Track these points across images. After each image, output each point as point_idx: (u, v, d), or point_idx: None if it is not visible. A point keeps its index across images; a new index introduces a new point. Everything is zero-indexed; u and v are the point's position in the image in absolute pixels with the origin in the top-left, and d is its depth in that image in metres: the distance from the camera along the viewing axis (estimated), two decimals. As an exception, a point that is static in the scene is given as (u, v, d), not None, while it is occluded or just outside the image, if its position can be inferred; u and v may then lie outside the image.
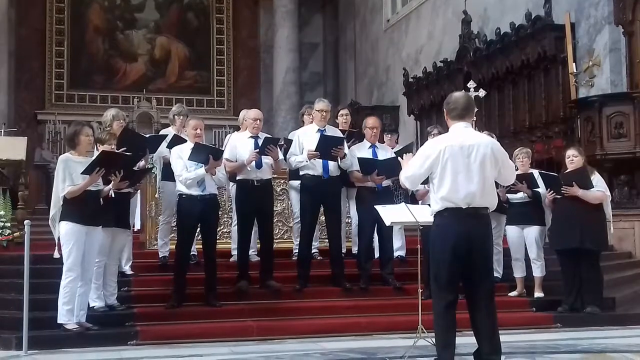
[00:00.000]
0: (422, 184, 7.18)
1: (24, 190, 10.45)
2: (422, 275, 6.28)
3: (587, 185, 7.33)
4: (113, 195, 6.44)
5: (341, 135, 7.62)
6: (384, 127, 8.38)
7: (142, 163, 7.28)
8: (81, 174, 6.13)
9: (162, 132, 8.50)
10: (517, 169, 7.75)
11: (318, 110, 7.57)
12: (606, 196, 7.48)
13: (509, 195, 7.68)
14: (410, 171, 4.73)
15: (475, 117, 11.00)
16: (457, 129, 4.67)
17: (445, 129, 4.91)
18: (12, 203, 9.71)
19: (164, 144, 7.56)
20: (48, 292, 6.55)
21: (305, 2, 20.64)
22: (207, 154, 6.92)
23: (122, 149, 6.72)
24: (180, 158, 7.00)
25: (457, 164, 4.54)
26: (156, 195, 8.32)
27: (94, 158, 6.28)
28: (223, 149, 7.67)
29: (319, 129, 7.53)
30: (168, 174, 7.49)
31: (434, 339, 5.51)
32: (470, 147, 4.56)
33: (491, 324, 4.61)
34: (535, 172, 7.73)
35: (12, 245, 8.76)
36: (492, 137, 7.99)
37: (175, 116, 7.99)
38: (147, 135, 8.12)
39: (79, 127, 6.44)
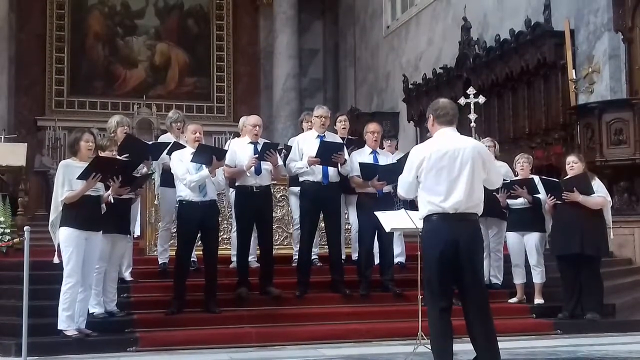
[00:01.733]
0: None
1: (23, 196, 10.46)
2: (422, 281, 6.27)
3: (588, 191, 7.32)
4: (112, 201, 6.44)
5: (341, 141, 7.63)
6: (384, 133, 8.39)
7: (144, 170, 7.29)
8: (77, 179, 6.15)
9: (161, 138, 8.49)
10: (517, 175, 7.77)
11: (317, 117, 7.58)
12: (607, 202, 7.48)
13: (509, 201, 7.67)
14: (403, 182, 4.74)
15: (475, 124, 11.06)
16: (444, 133, 4.66)
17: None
18: (11, 209, 9.72)
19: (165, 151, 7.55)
20: (47, 299, 6.55)
21: (305, 9, 20.67)
22: (210, 154, 6.93)
23: (124, 155, 6.73)
24: (181, 161, 7.00)
25: (443, 170, 4.52)
26: (155, 202, 8.31)
27: (88, 163, 6.29)
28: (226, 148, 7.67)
29: (318, 135, 7.53)
30: (167, 180, 7.49)
31: (432, 346, 5.50)
32: (456, 151, 4.54)
33: (486, 330, 4.55)
34: (536, 178, 7.72)
35: (12, 251, 8.76)
36: (495, 144, 8.04)
37: (173, 123, 7.96)
38: (150, 143, 8.10)
39: (79, 133, 6.48)
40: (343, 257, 7.93)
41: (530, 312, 7.57)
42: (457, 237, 4.49)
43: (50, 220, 6.32)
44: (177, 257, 7.13)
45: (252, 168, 7.24)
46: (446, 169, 4.52)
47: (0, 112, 17.33)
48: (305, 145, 7.50)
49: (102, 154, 6.56)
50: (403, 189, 4.79)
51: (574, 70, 10.75)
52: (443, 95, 14.16)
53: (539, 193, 7.60)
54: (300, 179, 7.58)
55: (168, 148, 7.46)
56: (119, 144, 6.91)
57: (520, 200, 7.64)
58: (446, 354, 4.55)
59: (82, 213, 6.18)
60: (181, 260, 7.06)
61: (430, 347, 5.65)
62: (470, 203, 4.54)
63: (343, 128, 8.33)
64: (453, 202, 4.49)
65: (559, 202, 7.41)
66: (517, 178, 7.70)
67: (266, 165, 7.32)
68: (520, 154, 8.04)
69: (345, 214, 8.21)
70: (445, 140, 4.61)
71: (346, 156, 7.42)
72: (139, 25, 20.43)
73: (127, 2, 20.32)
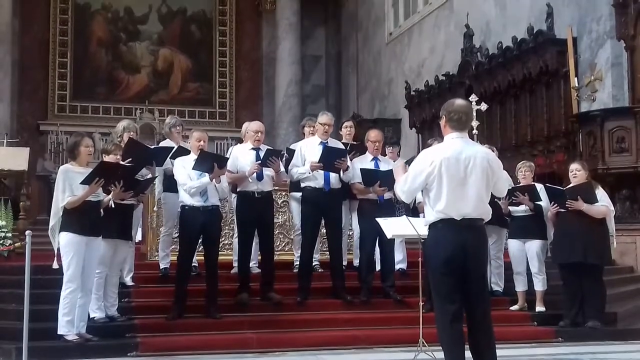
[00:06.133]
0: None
1: (25, 200, 10.46)
2: (423, 288, 6.27)
3: (592, 199, 7.32)
4: (113, 206, 6.44)
5: (344, 148, 7.63)
6: (386, 139, 8.39)
7: (149, 175, 7.29)
8: (80, 184, 6.14)
9: (162, 144, 8.47)
10: (519, 182, 7.77)
11: (321, 124, 7.58)
12: (610, 211, 7.47)
13: (511, 208, 7.68)
14: (407, 186, 4.62)
15: (477, 130, 11.08)
16: (453, 139, 4.57)
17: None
18: (13, 213, 9.73)
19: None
20: (48, 303, 6.54)
21: (308, 15, 20.71)
22: (211, 162, 6.93)
23: (127, 159, 6.74)
24: (183, 167, 7.02)
25: (453, 177, 4.45)
26: (155, 208, 8.31)
27: (93, 168, 6.29)
28: (228, 156, 7.67)
29: (321, 142, 7.54)
30: (170, 185, 7.50)
31: (434, 353, 5.49)
32: (467, 159, 4.47)
33: (489, 339, 4.52)
34: (539, 186, 7.71)
35: (13, 255, 8.76)
36: (493, 150, 8.05)
37: (171, 128, 7.97)
38: (153, 147, 8.09)
39: (79, 138, 6.47)
40: (344, 263, 7.92)
41: (532, 320, 7.55)
42: (464, 242, 4.43)
43: (50, 226, 6.31)
44: (179, 262, 7.13)
45: (254, 174, 7.25)
46: (456, 176, 4.45)
47: (3, 116, 17.36)
48: (308, 151, 7.51)
49: (106, 158, 6.56)
50: (405, 195, 4.68)
51: (576, 78, 10.75)
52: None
53: (541, 200, 7.60)
54: (302, 185, 7.58)
55: (172, 153, 7.46)
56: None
57: (522, 207, 7.64)
58: None
59: (82, 218, 6.18)
60: (182, 265, 7.06)
61: (432, 354, 5.66)
62: (479, 210, 4.50)
63: (349, 134, 8.37)
64: (461, 210, 4.43)
65: (562, 210, 7.40)
66: (519, 185, 7.71)
67: (268, 171, 7.33)
68: (522, 162, 8.04)
69: (349, 219, 8.21)
70: (455, 147, 4.52)
71: (349, 162, 7.42)
72: (142, 31, 20.48)
73: (130, 8, 20.37)
